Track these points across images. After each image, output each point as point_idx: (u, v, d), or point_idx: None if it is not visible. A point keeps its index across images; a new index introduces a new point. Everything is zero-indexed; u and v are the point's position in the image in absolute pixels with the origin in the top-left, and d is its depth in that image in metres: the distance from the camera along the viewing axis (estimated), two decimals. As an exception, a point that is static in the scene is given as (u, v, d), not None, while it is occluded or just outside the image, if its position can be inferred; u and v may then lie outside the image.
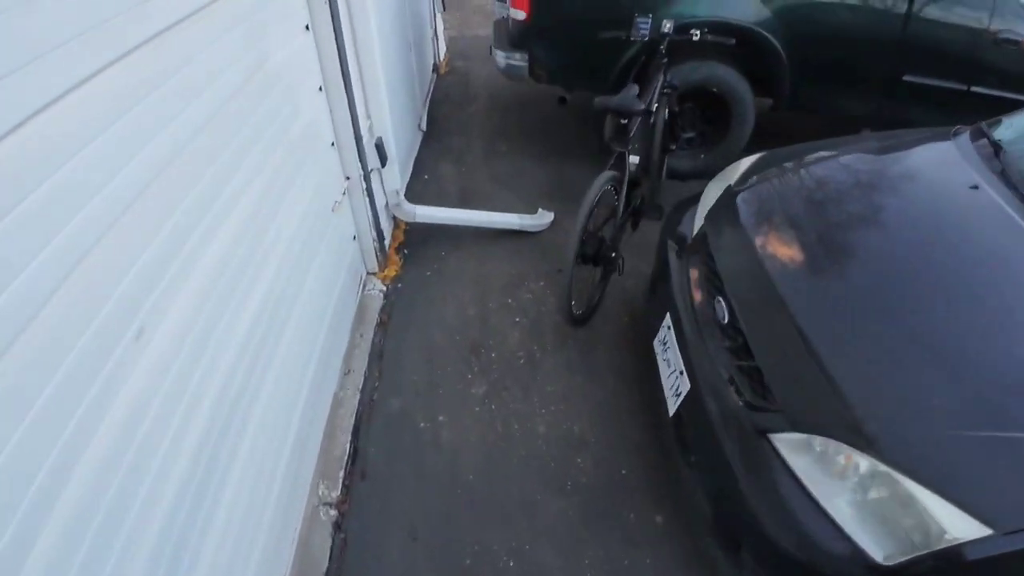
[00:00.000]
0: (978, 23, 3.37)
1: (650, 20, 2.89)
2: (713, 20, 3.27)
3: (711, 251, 2.09)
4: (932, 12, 3.32)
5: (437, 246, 3.25)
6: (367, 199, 2.74)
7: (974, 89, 3.54)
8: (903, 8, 3.30)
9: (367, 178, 2.72)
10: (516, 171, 3.92)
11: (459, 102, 4.87)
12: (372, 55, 2.62)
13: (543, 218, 3.34)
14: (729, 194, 2.20)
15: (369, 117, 2.78)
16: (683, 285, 2.15)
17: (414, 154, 3.94)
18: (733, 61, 3.48)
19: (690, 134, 3.78)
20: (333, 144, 2.50)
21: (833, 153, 2.28)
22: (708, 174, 3.87)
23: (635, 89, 2.58)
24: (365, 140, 2.69)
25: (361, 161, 2.64)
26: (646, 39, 2.87)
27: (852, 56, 3.48)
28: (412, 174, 3.87)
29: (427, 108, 4.57)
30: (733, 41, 2.90)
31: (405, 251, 3.23)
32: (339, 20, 2.29)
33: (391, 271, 3.05)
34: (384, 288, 2.98)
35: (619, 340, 2.73)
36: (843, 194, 2.06)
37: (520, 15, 3.35)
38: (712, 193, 2.36)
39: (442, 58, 5.49)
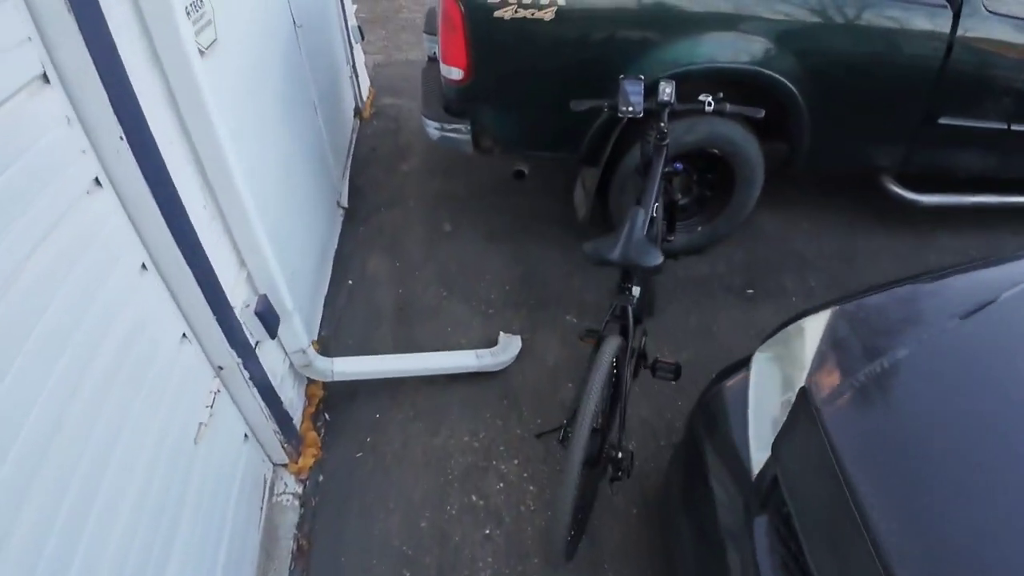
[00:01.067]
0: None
1: (642, 85, 2.06)
2: (717, 66, 2.47)
3: (791, 510, 1.30)
4: (978, 31, 2.59)
5: (369, 404, 2.38)
6: (253, 388, 1.86)
7: (1015, 127, 2.87)
8: (946, 29, 2.56)
9: (250, 357, 1.83)
10: (467, 264, 3.06)
11: (389, 158, 3.96)
12: (231, 182, 1.72)
13: (507, 349, 2.51)
14: (807, 409, 1.40)
15: (245, 266, 1.89)
16: (742, 543, 1.36)
17: (327, 272, 3.02)
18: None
19: (683, 201, 2.97)
20: (185, 336, 1.61)
21: (978, 311, 1.49)
22: (706, 248, 3.13)
23: (639, 219, 1.75)
24: (239, 309, 1.80)
25: (235, 341, 1.75)
26: (639, 114, 2.04)
27: (883, 98, 2.73)
28: (332, 278, 2.98)
29: (348, 175, 3.65)
30: (762, 113, 2.10)
31: (326, 416, 2.36)
32: (156, 147, 1.39)
33: (307, 459, 2.17)
34: (299, 489, 2.11)
35: (631, 547, 1.94)
36: None
37: (455, 74, 2.48)
38: (766, 387, 1.57)
39: (365, 98, 4.55)
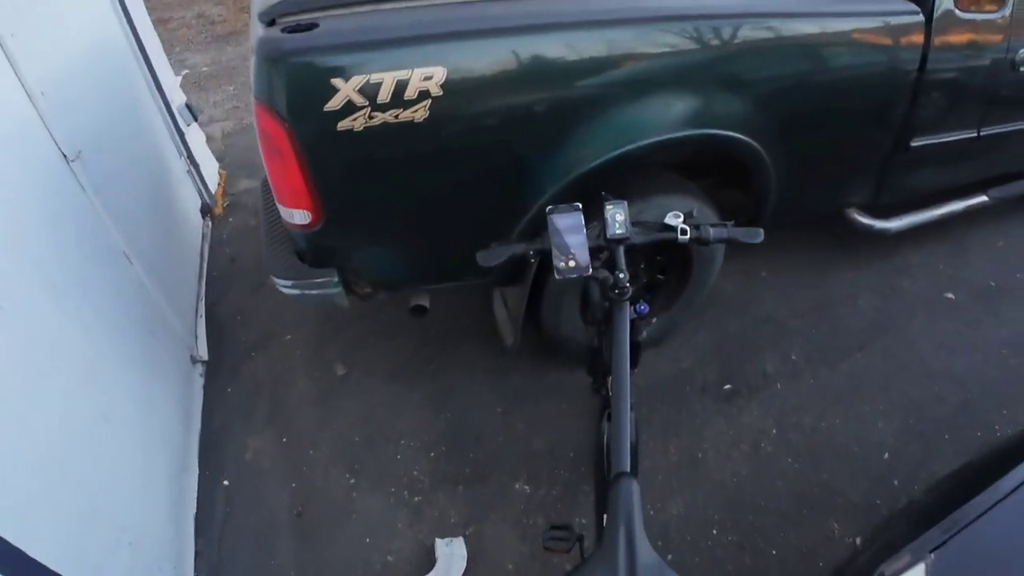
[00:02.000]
0: (997, 49, 2.26)
1: (582, 218, 1.43)
2: (662, 139, 1.87)
3: None
4: (952, 36, 2.14)
5: None
6: None
7: (984, 132, 2.47)
8: (919, 40, 2.08)
9: None
10: (374, 424, 2.34)
11: (254, 270, 3.12)
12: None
13: (450, 566, 1.84)
14: None
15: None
16: None
17: (191, 477, 2.24)
18: (696, 189, 2.13)
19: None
20: None
21: None
22: (663, 340, 2.55)
23: (626, 492, 1.11)
24: None
25: None
26: (587, 271, 1.40)
27: (853, 133, 2.24)
28: (200, 479, 2.21)
29: (203, 311, 2.84)
30: (761, 237, 1.49)
31: None
32: None
33: None
34: None
35: None
36: None
37: (301, 217, 1.76)
38: None
39: (215, 187, 3.70)
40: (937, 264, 2.94)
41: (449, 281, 2.03)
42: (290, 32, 1.56)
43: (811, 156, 2.22)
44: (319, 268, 1.86)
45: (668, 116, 1.88)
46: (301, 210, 1.73)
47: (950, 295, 2.77)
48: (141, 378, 2.07)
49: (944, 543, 1.13)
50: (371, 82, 1.56)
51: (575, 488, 2.10)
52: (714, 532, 2.02)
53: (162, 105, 3.20)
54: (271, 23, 1.62)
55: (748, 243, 1.45)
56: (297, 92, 1.56)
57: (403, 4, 1.70)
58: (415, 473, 2.16)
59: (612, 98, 1.79)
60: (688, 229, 1.44)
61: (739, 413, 2.31)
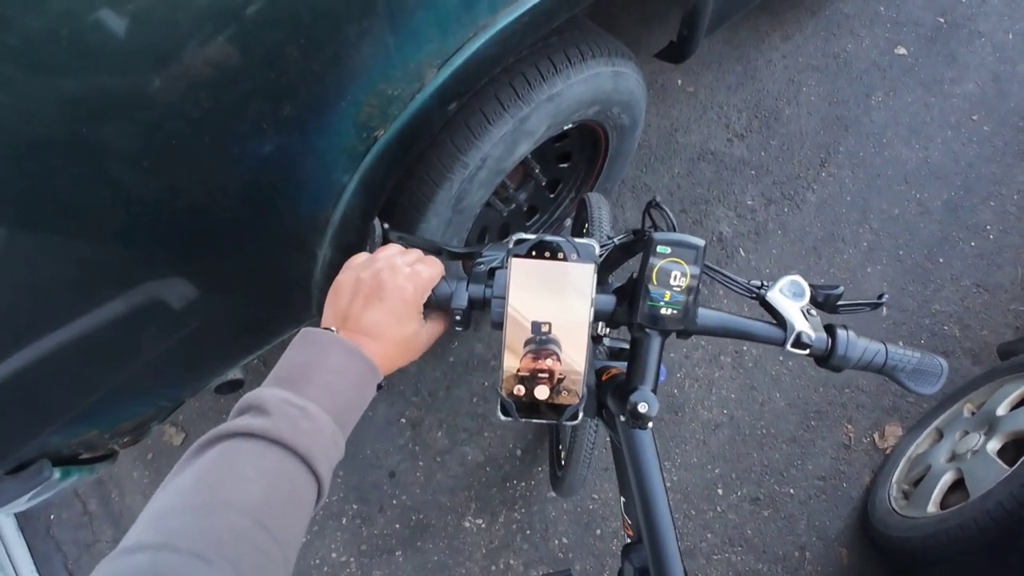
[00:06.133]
0: None
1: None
2: None
3: None
4: None
5: None
6: None
7: None
8: None
9: None
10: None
11: None
12: None
13: None
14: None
15: None
16: None
17: None
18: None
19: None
20: None
21: None
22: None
23: None
24: None
25: None
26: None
27: None
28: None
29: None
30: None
31: None
32: None
33: None
34: None
35: None
36: None
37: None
38: None
39: None
40: (877, 7, 2.26)
41: (246, 359, 1.19)
42: None
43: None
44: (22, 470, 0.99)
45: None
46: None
47: (902, 50, 2.17)
48: None
49: None
50: None
51: (541, 500, 1.59)
52: (720, 492, 1.62)
53: None
54: None
55: (916, 392, 0.72)
56: None
57: None
58: (333, 555, 1.56)
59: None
60: (813, 337, 0.69)
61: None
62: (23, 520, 1.70)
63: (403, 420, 1.66)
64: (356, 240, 0.99)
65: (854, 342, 0.69)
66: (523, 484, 1.60)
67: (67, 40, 0.57)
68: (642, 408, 0.68)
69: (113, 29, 0.58)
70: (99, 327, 0.81)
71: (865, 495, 1.61)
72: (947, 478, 1.41)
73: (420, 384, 1.68)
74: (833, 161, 1.98)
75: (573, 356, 0.63)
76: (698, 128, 2.00)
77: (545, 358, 0.63)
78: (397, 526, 1.57)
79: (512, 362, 0.62)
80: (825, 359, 0.70)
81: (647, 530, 0.74)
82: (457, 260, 0.84)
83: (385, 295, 0.57)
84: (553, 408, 0.65)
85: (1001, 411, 1.41)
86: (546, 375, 0.63)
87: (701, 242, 0.65)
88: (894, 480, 1.54)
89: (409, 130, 0.89)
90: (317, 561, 1.55)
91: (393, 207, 1.18)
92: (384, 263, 0.60)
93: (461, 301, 0.65)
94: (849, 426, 1.69)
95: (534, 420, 0.67)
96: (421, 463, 1.62)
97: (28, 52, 0.56)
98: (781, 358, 1.74)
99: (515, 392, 0.64)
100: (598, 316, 0.69)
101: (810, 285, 0.72)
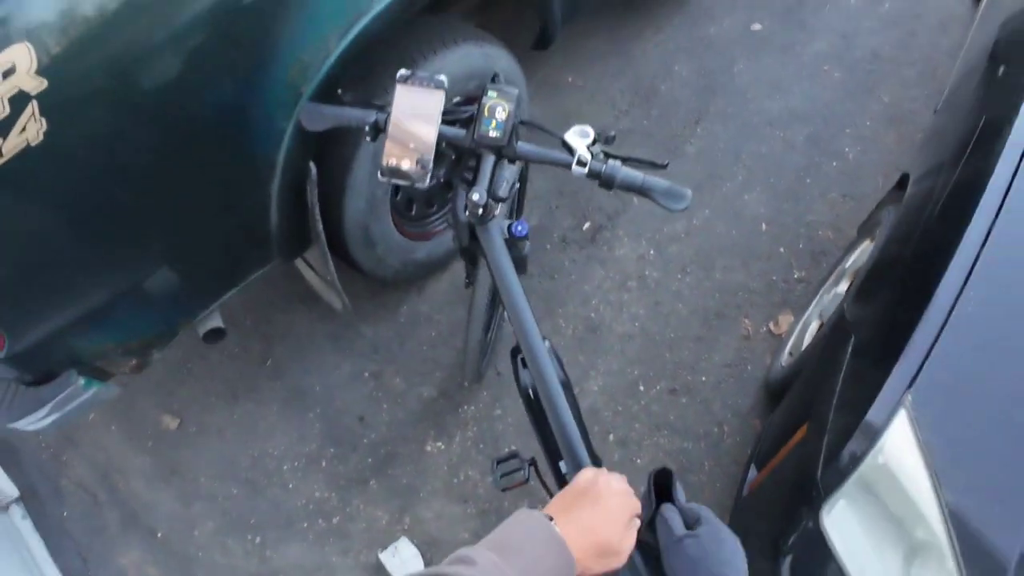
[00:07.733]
0: None
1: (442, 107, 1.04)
2: None
3: None
4: None
5: None
6: None
7: None
8: None
9: None
10: (242, 463, 1.91)
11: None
12: None
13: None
14: None
15: None
16: None
17: None
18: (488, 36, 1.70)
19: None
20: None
21: None
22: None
23: None
24: None
25: None
26: (421, 183, 1.04)
27: None
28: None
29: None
30: (686, 203, 1.05)
31: None
32: None
33: None
34: None
35: None
36: None
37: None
38: None
39: None
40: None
41: (225, 293, 1.52)
42: None
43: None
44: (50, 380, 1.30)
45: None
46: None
47: (757, 26, 2.58)
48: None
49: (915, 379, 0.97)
50: None
51: (489, 418, 1.86)
52: (641, 388, 1.88)
53: None
54: None
55: (668, 208, 1.06)
56: None
57: None
58: (317, 494, 1.81)
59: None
60: (588, 160, 1.02)
61: (611, 250, 2.10)
62: (37, 517, 1.95)
63: (366, 374, 1.95)
64: (298, 178, 1.36)
65: (619, 168, 1.03)
66: (472, 408, 1.87)
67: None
68: (474, 196, 1.02)
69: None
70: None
71: (767, 371, 1.87)
72: (814, 325, 1.68)
73: (377, 343, 1.98)
74: (706, 119, 2.35)
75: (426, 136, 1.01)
76: (588, 111, 2.38)
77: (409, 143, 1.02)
78: (369, 460, 1.83)
79: (391, 146, 1.02)
80: (597, 175, 1.03)
81: (509, 307, 1.06)
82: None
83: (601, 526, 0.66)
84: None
85: (849, 263, 1.70)
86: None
87: (515, 90, 1.03)
88: (787, 348, 1.80)
89: (324, 88, 1.27)
90: (303, 501, 1.81)
91: (325, 159, 1.52)
92: (617, 506, 0.68)
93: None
94: (747, 320, 1.96)
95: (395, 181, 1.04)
96: (385, 406, 1.90)
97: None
98: (679, 276, 2.04)
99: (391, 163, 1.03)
100: (447, 136, 1.04)
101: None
